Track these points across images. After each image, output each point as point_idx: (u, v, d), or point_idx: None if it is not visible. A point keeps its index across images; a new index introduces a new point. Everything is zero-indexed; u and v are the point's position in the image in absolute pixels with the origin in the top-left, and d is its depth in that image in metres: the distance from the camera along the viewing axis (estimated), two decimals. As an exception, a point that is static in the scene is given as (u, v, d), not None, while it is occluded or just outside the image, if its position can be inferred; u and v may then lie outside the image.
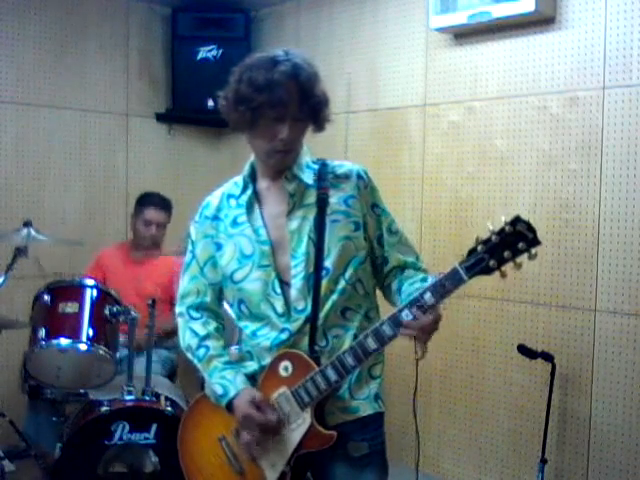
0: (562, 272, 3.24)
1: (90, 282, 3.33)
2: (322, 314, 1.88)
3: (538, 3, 3.16)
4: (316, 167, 1.97)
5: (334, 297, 1.90)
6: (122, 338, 3.31)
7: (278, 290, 1.91)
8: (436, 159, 3.74)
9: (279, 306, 1.91)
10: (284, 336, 1.90)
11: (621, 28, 3.04)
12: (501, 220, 1.63)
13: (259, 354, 1.96)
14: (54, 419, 3.36)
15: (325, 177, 1.94)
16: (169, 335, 3.59)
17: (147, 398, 3.13)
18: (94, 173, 4.50)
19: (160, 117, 4.73)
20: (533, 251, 1.61)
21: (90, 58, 4.44)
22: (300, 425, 1.85)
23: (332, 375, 1.81)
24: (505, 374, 3.46)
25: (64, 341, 3.09)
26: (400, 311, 1.74)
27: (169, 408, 3.11)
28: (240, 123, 1.88)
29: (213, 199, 2.05)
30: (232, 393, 1.92)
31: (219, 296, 2.06)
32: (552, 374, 3.16)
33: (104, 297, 3.28)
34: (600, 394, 3.13)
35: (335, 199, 1.93)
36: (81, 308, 3.20)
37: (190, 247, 2.07)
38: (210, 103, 4.40)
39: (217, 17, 4.59)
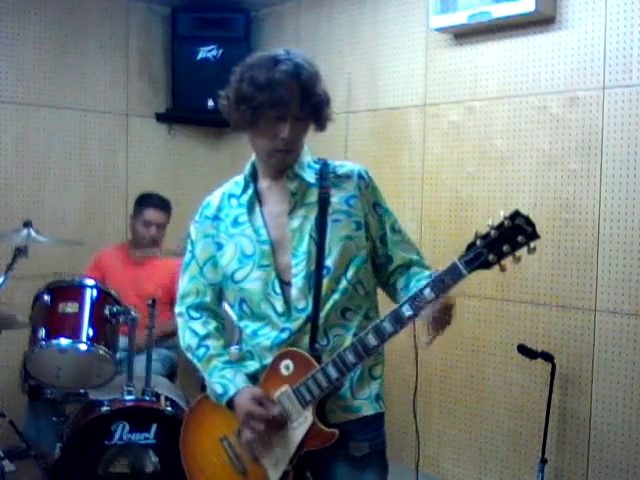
0: (562, 272, 3.24)
1: (90, 282, 3.33)
2: (323, 313, 1.89)
3: (538, 3, 3.17)
4: (317, 167, 1.98)
5: (336, 297, 1.90)
6: (122, 340, 3.31)
7: (278, 290, 1.91)
8: (436, 159, 3.74)
9: (279, 306, 1.91)
10: (284, 335, 1.90)
11: (621, 28, 3.04)
12: (500, 215, 1.64)
13: (260, 353, 1.96)
14: (54, 419, 3.36)
15: (326, 177, 1.95)
16: (168, 335, 3.59)
17: (147, 398, 3.13)
18: (94, 173, 4.50)
19: (160, 117, 4.73)
20: (532, 245, 1.62)
21: (90, 58, 4.44)
22: (302, 424, 1.85)
23: (333, 372, 1.81)
24: (505, 374, 3.46)
25: (64, 341, 3.09)
26: (400, 307, 1.75)
27: (169, 408, 3.11)
28: (241, 122, 1.88)
29: (214, 199, 2.05)
30: (232, 391, 1.92)
31: (219, 296, 2.06)
32: (552, 374, 3.16)
33: (104, 297, 3.28)
34: (600, 394, 3.13)
35: (336, 199, 1.93)
36: (81, 308, 3.20)
37: (190, 247, 2.07)
38: (210, 103, 4.40)
39: (217, 17, 4.59)
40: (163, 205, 3.88)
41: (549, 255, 3.25)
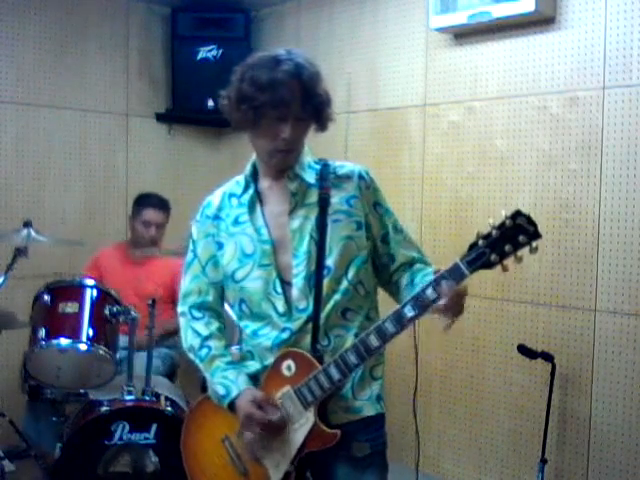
0: (562, 272, 3.24)
1: (90, 282, 3.33)
2: (324, 314, 1.89)
3: (538, 3, 3.16)
4: (318, 167, 1.98)
5: (336, 297, 1.90)
6: (122, 340, 3.31)
7: (279, 289, 1.91)
8: (436, 159, 3.74)
9: (280, 305, 1.91)
10: (285, 335, 1.90)
11: (621, 28, 3.04)
12: (502, 215, 1.63)
13: (260, 354, 1.96)
14: (54, 419, 3.35)
15: (327, 177, 1.95)
16: (170, 334, 3.59)
17: (147, 398, 3.13)
18: (94, 173, 4.50)
19: (160, 117, 4.73)
20: (534, 244, 1.62)
21: (90, 58, 4.44)
22: (303, 424, 1.85)
23: (335, 374, 1.81)
24: (505, 374, 3.46)
25: (64, 341, 3.08)
26: (402, 307, 1.74)
27: (169, 408, 3.11)
28: (242, 122, 1.88)
29: (214, 198, 2.05)
30: (234, 393, 1.92)
31: (221, 295, 2.06)
32: (552, 374, 3.16)
33: (104, 297, 3.28)
34: (600, 394, 3.13)
35: (337, 199, 1.93)
36: (81, 308, 3.20)
37: (191, 246, 2.07)
38: (210, 103, 4.40)
39: (217, 17, 4.59)
40: (162, 205, 3.88)
41: (549, 255, 3.25)
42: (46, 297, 3.20)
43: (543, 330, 3.32)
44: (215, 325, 2.04)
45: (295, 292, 1.90)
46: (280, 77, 1.80)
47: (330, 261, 1.89)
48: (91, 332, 3.14)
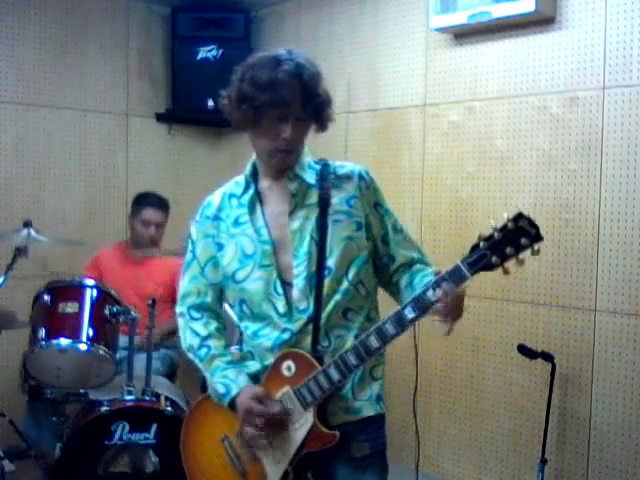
0: (562, 272, 3.24)
1: (90, 282, 3.33)
2: (324, 314, 1.88)
3: (538, 3, 3.16)
4: (318, 167, 1.98)
5: (337, 297, 1.90)
6: (122, 339, 3.31)
7: (280, 290, 1.91)
8: (436, 159, 3.74)
9: (281, 306, 1.90)
10: (286, 336, 1.90)
11: (621, 28, 3.04)
12: (503, 217, 1.63)
13: (261, 354, 1.96)
14: (54, 419, 3.35)
15: (327, 177, 1.95)
16: (170, 334, 3.59)
17: (147, 398, 3.13)
18: (94, 173, 4.50)
19: (160, 117, 4.73)
20: (536, 247, 1.61)
21: (90, 58, 4.44)
22: (303, 425, 1.85)
23: (335, 374, 1.81)
24: (505, 374, 3.46)
25: (64, 341, 3.09)
26: (403, 309, 1.74)
27: (169, 408, 3.11)
28: (243, 122, 1.88)
29: (214, 199, 2.05)
30: (234, 391, 1.92)
31: (220, 296, 2.06)
32: (552, 374, 3.16)
33: (104, 297, 3.28)
34: (600, 394, 3.13)
35: (337, 199, 1.93)
36: (81, 308, 3.20)
37: (190, 247, 2.07)
38: (210, 103, 4.40)
39: (217, 17, 4.59)
40: (161, 204, 3.88)
41: (549, 255, 3.25)
42: (46, 297, 3.20)
43: (543, 330, 3.32)
44: (214, 325, 2.04)
45: (296, 293, 1.89)
46: (281, 77, 1.80)
47: (331, 262, 1.89)
48: (91, 332, 3.14)
